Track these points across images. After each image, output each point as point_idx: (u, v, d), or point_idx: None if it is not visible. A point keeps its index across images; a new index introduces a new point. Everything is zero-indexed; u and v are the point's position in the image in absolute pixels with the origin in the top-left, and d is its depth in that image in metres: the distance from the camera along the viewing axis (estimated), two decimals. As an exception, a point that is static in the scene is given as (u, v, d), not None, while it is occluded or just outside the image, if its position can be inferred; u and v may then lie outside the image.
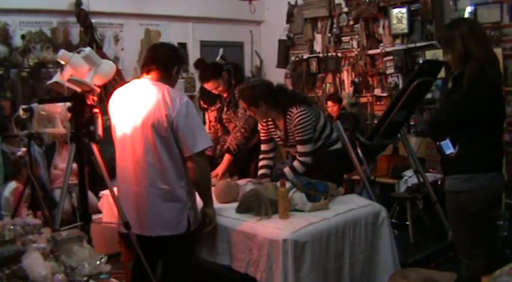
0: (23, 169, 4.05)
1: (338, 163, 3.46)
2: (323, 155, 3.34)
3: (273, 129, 3.45)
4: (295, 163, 3.29)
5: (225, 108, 3.75)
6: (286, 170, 3.30)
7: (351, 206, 2.89)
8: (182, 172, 2.59)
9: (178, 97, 2.54)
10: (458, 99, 2.51)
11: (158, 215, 2.59)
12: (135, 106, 2.59)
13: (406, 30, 5.57)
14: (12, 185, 4.12)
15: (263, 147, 3.55)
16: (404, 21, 5.55)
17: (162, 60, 2.63)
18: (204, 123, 3.97)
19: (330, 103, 5.75)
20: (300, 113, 3.23)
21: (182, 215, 2.60)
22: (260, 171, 3.51)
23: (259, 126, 3.52)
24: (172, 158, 2.56)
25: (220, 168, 3.60)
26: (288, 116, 3.28)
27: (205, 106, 3.96)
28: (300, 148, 3.28)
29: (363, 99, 6.17)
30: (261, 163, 3.54)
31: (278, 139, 3.46)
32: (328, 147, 3.40)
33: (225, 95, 3.76)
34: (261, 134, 3.54)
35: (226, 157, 3.61)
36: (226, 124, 3.77)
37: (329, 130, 3.42)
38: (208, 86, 3.66)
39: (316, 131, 3.32)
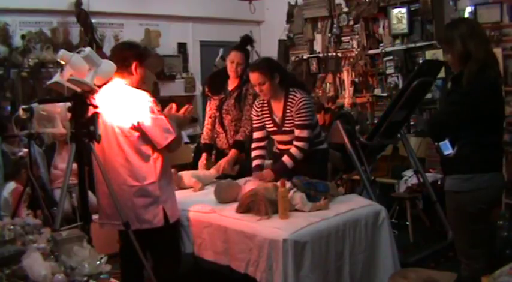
0: (22, 170, 4.05)
1: (323, 162, 3.55)
2: (309, 153, 3.33)
3: (267, 115, 3.43)
4: (292, 149, 3.27)
5: (228, 100, 3.77)
6: (285, 158, 3.26)
7: (351, 206, 2.89)
8: (152, 168, 2.74)
9: (139, 99, 2.69)
10: (458, 99, 2.51)
11: (133, 211, 2.73)
12: (103, 109, 2.71)
13: (406, 30, 5.56)
14: (11, 185, 4.12)
15: (256, 134, 3.52)
16: (404, 21, 5.55)
17: (119, 60, 2.75)
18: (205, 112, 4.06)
19: (319, 115, 5.52)
20: (304, 98, 3.26)
21: (157, 209, 2.74)
22: (254, 162, 3.46)
23: (253, 112, 3.51)
24: (141, 156, 2.72)
25: (224, 160, 3.63)
26: (290, 99, 3.29)
27: (209, 94, 3.99)
28: (298, 132, 3.26)
29: (362, 99, 6.17)
30: (254, 153, 3.50)
31: (271, 125, 3.42)
32: (316, 145, 3.41)
33: (230, 88, 3.79)
34: (254, 121, 3.52)
35: (233, 152, 3.65)
36: (224, 115, 3.78)
37: (318, 129, 3.46)
38: (237, 55, 3.73)
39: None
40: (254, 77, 3.29)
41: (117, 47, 3.00)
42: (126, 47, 2.86)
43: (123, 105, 2.70)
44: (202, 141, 3.99)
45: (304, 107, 3.24)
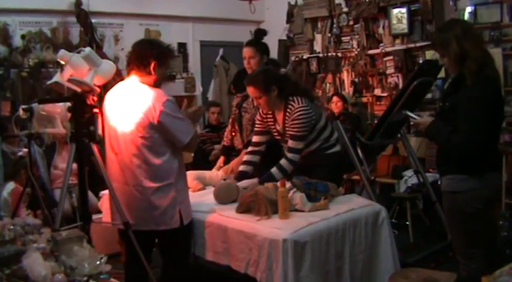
0: (22, 170, 4.05)
1: (335, 167, 3.34)
2: (319, 158, 3.26)
3: (272, 123, 3.36)
4: (283, 161, 3.16)
5: (248, 98, 3.69)
6: (274, 170, 3.16)
7: (351, 206, 2.89)
8: (169, 169, 2.68)
9: (158, 98, 2.61)
10: (474, 108, 2.41)
11: (150, 212, 2.67)
12: (120, 109, 2.67)
13: (406, 30, 5.57)
14: (11, 185, 4.12)
15: (254, 138, 3.42)
16: (404, 21, 5.55)
17: (137, 59, 2.68)
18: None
19: (335, 98, 5.68)
20: (301, 108, 3.13)
21: (174, 210, 2.69)
22: (240, 167, 3.36)
23: (257, 117, 3.43)
24: (159, 157, 2.65)
25: (234, 162, 3.59)
26: (288, 109, 3.18)
27: (233, 91, 4.01)
28: (291, 143, 3.16)
29: (363, 99, 6.17)
30: (245, 157, 3.39)
31: (276, 134, 3.36)
32: (325, 150, 3.29)
33: None
34: (257, 125, 3.43)
35: (244, 153, 3.56)
36: (243, 114, 3.75)
37: (328, 132, 3.31)
38: (246, 50, 3.74)
39: (315, 131, 3.22)
40: (250, 91, 3.25)
41: (137, 43, 2.80)
42: (146, 46, 2.73)
43: (141, 105, 2.60)
44: (223, 143, 3.96)
45: (299, 118, 3.11)
